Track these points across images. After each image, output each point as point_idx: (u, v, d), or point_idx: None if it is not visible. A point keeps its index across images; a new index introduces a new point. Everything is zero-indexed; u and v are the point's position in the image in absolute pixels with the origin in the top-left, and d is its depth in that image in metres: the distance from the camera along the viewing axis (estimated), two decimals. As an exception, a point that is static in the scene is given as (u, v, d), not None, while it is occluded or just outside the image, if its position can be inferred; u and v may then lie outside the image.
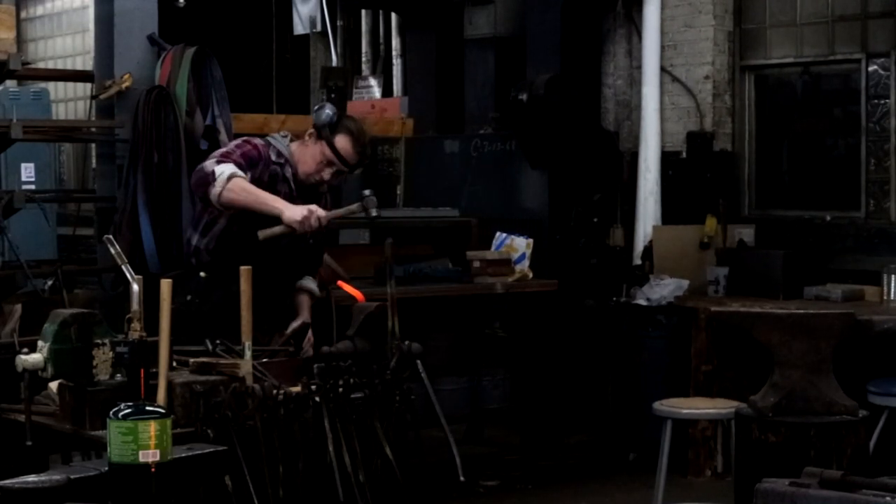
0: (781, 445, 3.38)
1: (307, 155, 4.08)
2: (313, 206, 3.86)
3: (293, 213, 3.81)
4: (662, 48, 6.47)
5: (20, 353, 3.12)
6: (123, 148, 4.97)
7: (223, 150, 4.08)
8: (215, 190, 3.84)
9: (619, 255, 6.46)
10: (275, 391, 3.15)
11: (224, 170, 3.86)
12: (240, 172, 3.87)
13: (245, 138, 4.16)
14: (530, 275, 5.92)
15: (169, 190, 4.81)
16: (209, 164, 3.94)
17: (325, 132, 4.03)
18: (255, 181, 3.95)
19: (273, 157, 4.05)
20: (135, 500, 2.33)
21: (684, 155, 6.49)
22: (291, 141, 4.16)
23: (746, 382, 5.00)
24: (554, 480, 5.56)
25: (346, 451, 3.24)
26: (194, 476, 2.59)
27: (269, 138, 4.15)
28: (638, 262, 6.25)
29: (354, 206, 4.01)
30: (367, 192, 4.02)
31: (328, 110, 4.10)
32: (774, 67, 6.57)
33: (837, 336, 3.53)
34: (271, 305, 3.97)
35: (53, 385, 3.22)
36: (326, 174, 4.07)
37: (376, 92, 8.26)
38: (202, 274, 4.01)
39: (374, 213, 4.01)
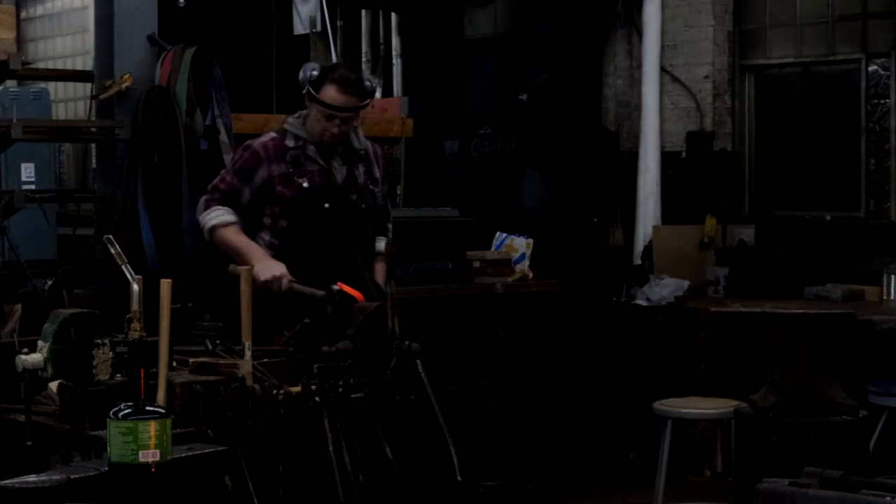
0: (781, 445, 3.38)
1: (311, 120, 4.09)
2: (284, 273, 3.90)
3: (261, 270, 3.84)
4: (662, 48, 6.47)
5: (20, 353, 3.12)
6: (123, 148, 4.97)
7: (217, 179, 4.16)
8: (205, 235, 4.07)
9: (619, 255, 6.46)
10: (275, 391, 3.15)
11: (208, 220, 4.04)
12: (223, 220, 4.01)
13: (247, 142, 4.20)
14: (530, 275, 5.92)
15: (169, 190, 4.81)
16: (202, 202, 4.11)
17: (310, 90, 4.05)
18: (266, 181, 4.03)
19: (291, 144, 4.08)
20: (135, 500, 2.33)
21: (684, 155, 6.49)
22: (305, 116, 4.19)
23: (746, 382, 5.00)
24: (554, 480, 5.56)
25: (346, 451, 3.23)
26: (194, 476, 2.59)
27: (285, 126, 4.16)
28: (638, 262, 6.25)
29: (319, 294, 3.91)
30: (335, 287, 3.93)
31: (307, 69, 4.11)
32: (774, 67, 6.57)
33: (837, 336, 3.53)
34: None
35: (53, 385, 3.21)
36: (332, 127, 4.05)
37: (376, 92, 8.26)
38: None
39: (329, 309, 3.94)
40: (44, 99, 8.83)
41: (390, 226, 4.46)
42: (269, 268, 3.87)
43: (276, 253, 4.06)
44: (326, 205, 4.07)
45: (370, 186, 4.21)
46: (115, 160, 5.09)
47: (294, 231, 4.08)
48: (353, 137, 4.18)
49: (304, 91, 4.08)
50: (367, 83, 4.22)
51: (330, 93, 4.03)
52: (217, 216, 4.03)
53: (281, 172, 4.04)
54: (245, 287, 3.23)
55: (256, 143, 4.13)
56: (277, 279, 3.88)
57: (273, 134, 4.17)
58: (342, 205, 4.10)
